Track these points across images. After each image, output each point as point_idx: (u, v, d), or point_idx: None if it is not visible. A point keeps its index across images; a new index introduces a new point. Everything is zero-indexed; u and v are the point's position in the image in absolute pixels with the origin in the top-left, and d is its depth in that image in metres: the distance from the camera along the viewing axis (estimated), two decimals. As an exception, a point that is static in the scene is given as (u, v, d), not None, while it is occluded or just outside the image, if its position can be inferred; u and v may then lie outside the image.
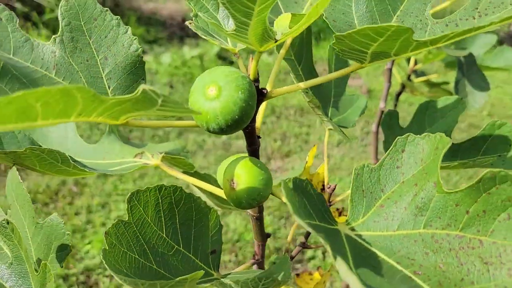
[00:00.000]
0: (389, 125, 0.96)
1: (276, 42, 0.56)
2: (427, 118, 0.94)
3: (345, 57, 0.57)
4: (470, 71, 1.41)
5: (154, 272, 0.57)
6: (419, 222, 0.50)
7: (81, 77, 0.61)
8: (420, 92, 1.62)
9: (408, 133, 0.53)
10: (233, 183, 0.58)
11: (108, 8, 0.61)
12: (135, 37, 0.61)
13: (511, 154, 0.73)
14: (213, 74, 0.57)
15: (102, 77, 0.62)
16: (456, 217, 0.47)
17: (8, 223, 0.61)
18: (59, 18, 0.61)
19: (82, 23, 0.61)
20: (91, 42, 0.62)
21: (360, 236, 0.53)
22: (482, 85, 1.39)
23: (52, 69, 0.61)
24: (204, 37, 0.60)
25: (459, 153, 0.80)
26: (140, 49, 0.61)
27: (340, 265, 0.40)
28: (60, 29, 0.61)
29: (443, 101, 0.93)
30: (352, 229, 0.54)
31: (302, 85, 0.60)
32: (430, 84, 1.64)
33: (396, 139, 0.54)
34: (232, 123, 0.56)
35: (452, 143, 0.82)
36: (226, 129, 0.57)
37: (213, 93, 0.55)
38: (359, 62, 0.57)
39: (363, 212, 0.54)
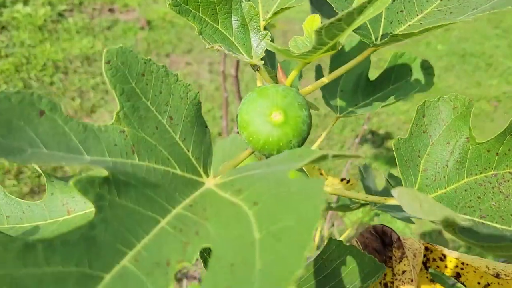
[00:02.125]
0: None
1: (333, 50, 0.59)
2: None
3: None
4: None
5: None
6: (461, 173, 0.62)
7: (161, 150, 0.47)
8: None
9: (424, 99, 0.65)
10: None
11: (149, 57, 0.48)
12: (189, 84, 0.50)
13: (413, 77, 0.93)
14: (267, 97, 0.55)
15: (178, 142, 0.49)
16: (489, 160, 0.60)
17: None
18: (110, 87, 0.44)
19: (133, 84, 0.46)
20: (149, 104, 0.47)
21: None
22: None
23: (132, 154, 0.45)
24: (233, 55, 0.56)
25: (376, 87, 0.95)
26: (198, 94, 0.51)
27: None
28: (118, 102, 0.45)
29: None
30: None
31: (325, 79, 0.64)
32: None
33: (417, 107, 0.66)
34: (303, 142, 0.57)
35: (369, 80, 0.97)
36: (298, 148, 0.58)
37: (279, 118, 0.54)
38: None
39: (413, 181, 0.65)
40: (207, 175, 0.51)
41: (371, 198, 0.65)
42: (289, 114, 0.53)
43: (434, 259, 0.80)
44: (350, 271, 0.66)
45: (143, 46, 3.90)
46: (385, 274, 0.79)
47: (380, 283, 0.79)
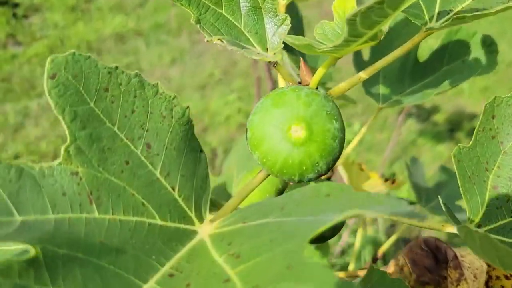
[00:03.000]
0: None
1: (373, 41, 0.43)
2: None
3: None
4: None
5: None
6: None
7: (133, 194, 0.34)
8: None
9: (494, 96, 0.50)
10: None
11: (116, 65, 0.35)
12: (173, 96, 0.37)
13: (473, 56, 0.77)
14: (284, 106, 0.41)
15: (158, 178, 0.36)
16: None
17: None
18: (56, 112, 0.32)
19: (92, 103, 0.33)
20: (116, 130, 0.34)
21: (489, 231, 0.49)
22: None
23: (90, 204, 0.32)
24: (238, 52, 0.43)
25: (426, 70, 0.80)
26: (187, 110, 0.38)
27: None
28: (67, 133, 0.32)
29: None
30: (478, 226, 0.49)
31: (363, 75, 0.49)
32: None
33: (484, 105, 0.50)
34: (333, 163, 0.43)
35: (418, 62, 0.82)
36: (326, 172, 0.44)
37: (301, 134, 0.39)
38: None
39: (479, 202, 0.49)
40: (201, 220, 0.38)
41: (429, 224, 0.51)
42: (314, 128, 0.39)
43: (498, 277, 0.65)
44: (397, 316, 0.52)
45: (175, 24, 3.77)
46: None
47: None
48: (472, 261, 0.64)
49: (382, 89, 0.86)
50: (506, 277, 0.64)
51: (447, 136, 2.79)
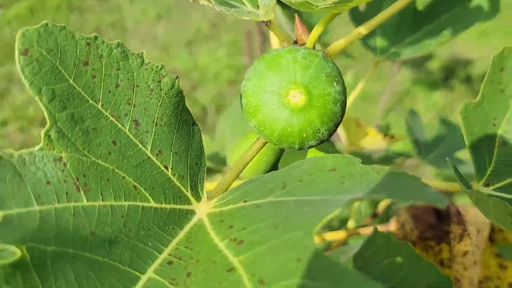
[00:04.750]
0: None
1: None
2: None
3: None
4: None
5: None
6: None
7: (123, 177, 0.31)
8: None
9: (503, 47, 0.46)
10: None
11: (95, 34, 0.31)
12: (160, 66, 0.34)
13: (474, 1, 0.73)
14: (281, 69, 0.38)
15: (150, 158, 0.33)
16: None
17: None
18: (31, 92, 0.28)
19: (71, 80, 0.30)
20: (100, 108, 0.31)
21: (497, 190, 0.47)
22: None
23: (77, 191, 0.29)
24: (228, 13, 0.39)
25: (425, 17, 0.76)
26: (177, 81, 0.34)
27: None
28: (46, 115, 0.29)
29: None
30: (486, 185, 0.47)
31: (363, 29, 0.46)
32: None
33: (493, 58, 0.47)
34: (335, 128, 0.40)
35: (417, 10, 0.78)
36: (328, 138, 0.41)
37: (300, 100, 0.36)
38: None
39: (487, 160, 0.47)
40: (199, 198, 0.35)
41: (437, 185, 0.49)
42: (313, 92, 0.37)
43: (500, 229, 0.64)
44: (401, 279, 0.51)
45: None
46: (440, 250, 0.65)
47: (434, 259, 0.64)
48: (475, 216, 0.63)
49: (379, 41, 0.82)
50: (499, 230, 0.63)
51: (441, 84, 2.76)
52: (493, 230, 0.64)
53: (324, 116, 0.37)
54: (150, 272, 0.28)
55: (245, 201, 0.32)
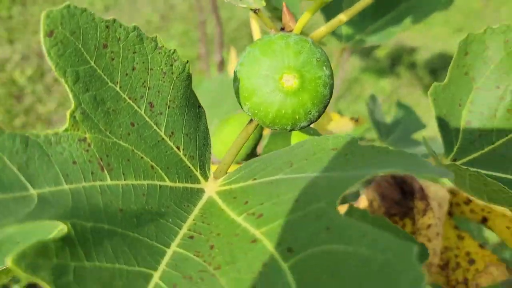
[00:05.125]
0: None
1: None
2: None
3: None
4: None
5: None
6: None
7: (141, 157, 0.32)
8: None
9: (468, 33, 0.50)
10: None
11: (113, 17, 0.32)
12: (173, 50, 0.35)
13: None
14: (274, 55, 0.40)
15: (164, 139, 0.34)
16: None
17: None
18: (57, 74, 0.29)
19: (92, 62, 0.31)
20: (119, 90, 0.32)
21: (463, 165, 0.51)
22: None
23: (101, 171, 0.30)
24: (226, 1, 0.41)
25: (386, 7, 0.78)
26: (188, 65, 0.36)
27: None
28: (71, 97, 0.30)
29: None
30: (454, 160, 0.51)
31: (343, 17, 0.48)
32: None
33: (458, 43, 0.51)
34: (324, 110, 0.43)
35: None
36: (317, 119, 0.44)
37: (294, 83, 0.39)
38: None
39: (453, 138, 0.51)
40: (206, 178, 0.37)
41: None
42: (306, 76, 0.39)
43: (458, 204, 0.69)
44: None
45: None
46: (404, 225, 0.69)
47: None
48: (436, 191, 0.67)
49: (344, 29, 0.85)
50: (465, 203, 0.68)
51: (388, 71, 2.85)
52: (451, 204, 0.68)
53: (315, 99, 0.40)
54: (174, 246, 0.29)
55: (255, 179, 0.34)
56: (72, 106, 0.29)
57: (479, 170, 0.50)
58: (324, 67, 0.40)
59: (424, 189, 0.68)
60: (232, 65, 0.91)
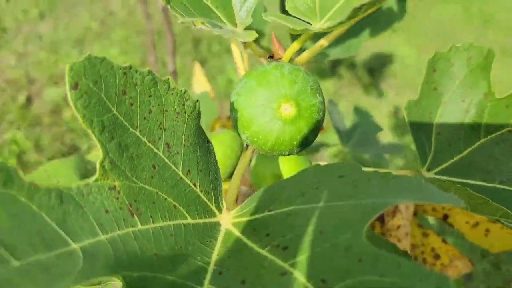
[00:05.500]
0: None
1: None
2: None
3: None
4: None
5: None
6: (478, 134, 0.52)
7: (165, 198, 0.33)
8: None
9: (435, 51, 0.54)
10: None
11: (129, 64, 0.33)
12: (184, 90, 0.36)
13: (386, 4, 0.78)
14: (270, 85, 0.42)
15: (182, 178, 0.35)
16: (508, 115, 0.51)
17: None
18: (85, 126, 0.29)
19: (115, 109, 0.31)
20: (139, 134, 0.33)
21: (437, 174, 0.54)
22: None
23: (132, 217, 0.31)
24: (217, 33, 0.43)
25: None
26: (198, 103, 0.37)
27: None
28: (100, 147, 0.30)
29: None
30: (428, 170, 0.55)
31: (324, 41, 0.51)
32: None
33: (427, 61, 0.54)
34: (317, 133, 0.46)
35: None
36: (312, 143, 0.47)
37: (291, 112, 0.41)
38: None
39: (427, 148, 0.54)
40: (220, 210, 0.38)
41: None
42: (301, 104, 0.41)
43: (420, 205, 0.74)
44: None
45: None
46: (374, 227, 0.72)
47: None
48: None
49: (308, 43, 0.87)
50: None
51: (330, 73, 2.92)
52: (415, 205, 0.73)
53: (311, 125, 0.42)
54: (206, 284, 0.30)
55: (270, 211, 0.35)
56: (101, 156, 0.30)
57: (451, 179, 0.54)
58: (317, 95, 0.42)
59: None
60: (196, 80, 0.92)
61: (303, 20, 0.45)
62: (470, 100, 0.53)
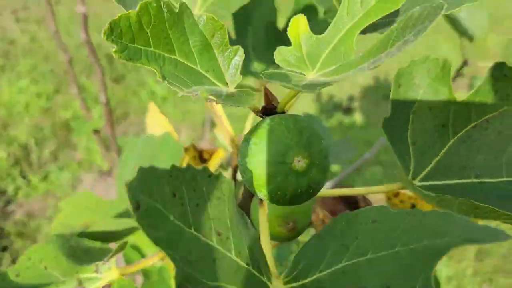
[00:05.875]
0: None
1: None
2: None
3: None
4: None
5: None
6: (447, 136, 0.55)
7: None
8: None
9: (398, 68, 0.57)
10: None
11: (173, 164, 0.32)
12: (218, 173, 0.36)
13: None
14: (279, 141, 0.43)
15: (236, 261, 0.35)
16: (469, 114, 0.54)
17: None
18: (160, 248, 0.29)
19: (171, 217, 0.31)
20: (194, 232, 0.33)
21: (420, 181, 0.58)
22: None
23: None
24: (211, 99, 0.42)
25: (285, 37, 0.81)
26: (232, 184, 0.37)
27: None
28: (173, 261, 0.30)
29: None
30: (413, 179, 0.58)
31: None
32: None
33: (393, 78, 0.57)
34: (327, 176, 0.47)
35: (278, 31, 0.82)
36: (324, 184, 0.49)
37: (304, 163, 0.43)
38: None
39: (408, 158, 0.57)
40: (270, 280, 0.38)
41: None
42: (312, 153, 0.42)
43: (389, 198, 0.79)
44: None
45: None
46: None
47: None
48: (377, 200, 0.76)
49: (257, 65, 0.88)
50: (395, 196, 0.78)
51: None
52: (387, 198, 0.77)
53: (322, 170, 0.43)
54: None
55: (321, 271, 0.37)
56: (174, 274, 0.30)
57: (434, 183, 0.57)
58: (322, 140, 0.43)
59: (367, 198, 0.75)
60: (151, 119, 0.89)
61: (296, 72, 0.46)
62: (435, 106, 0.56)
